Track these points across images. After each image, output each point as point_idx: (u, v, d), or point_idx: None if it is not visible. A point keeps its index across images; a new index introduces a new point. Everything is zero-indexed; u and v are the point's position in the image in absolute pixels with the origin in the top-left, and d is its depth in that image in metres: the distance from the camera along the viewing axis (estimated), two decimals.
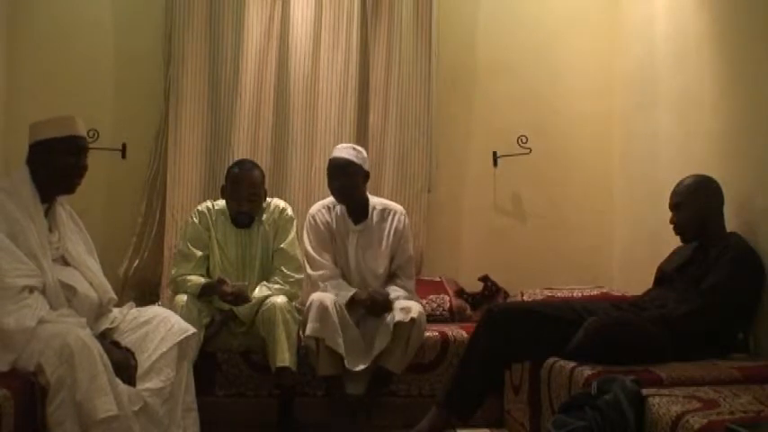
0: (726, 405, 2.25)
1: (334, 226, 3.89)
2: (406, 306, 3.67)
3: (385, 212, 3.93)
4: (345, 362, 3.56)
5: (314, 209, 3.96)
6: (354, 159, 3.82)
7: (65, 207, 3.02)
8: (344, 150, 3.87)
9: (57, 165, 2.87)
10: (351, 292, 3.72)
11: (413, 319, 3.61)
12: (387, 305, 3.68)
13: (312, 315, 3.55)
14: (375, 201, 3.98)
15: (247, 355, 3.73)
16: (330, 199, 3.95)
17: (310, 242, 3.87)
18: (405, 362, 3.66)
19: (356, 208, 3.90)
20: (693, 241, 3.26)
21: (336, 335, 3.55)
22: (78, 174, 2.93)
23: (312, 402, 3.69)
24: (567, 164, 4.78)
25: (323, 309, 3.55)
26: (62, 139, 2.88)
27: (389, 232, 3.90)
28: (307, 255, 3.86)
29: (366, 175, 3.90)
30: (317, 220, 3.90)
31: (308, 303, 3.64)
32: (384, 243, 3.89)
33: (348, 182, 3.82)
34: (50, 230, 2.89)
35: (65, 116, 2.99)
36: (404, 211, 3.99)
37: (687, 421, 2.14)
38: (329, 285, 3.74)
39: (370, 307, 3.70)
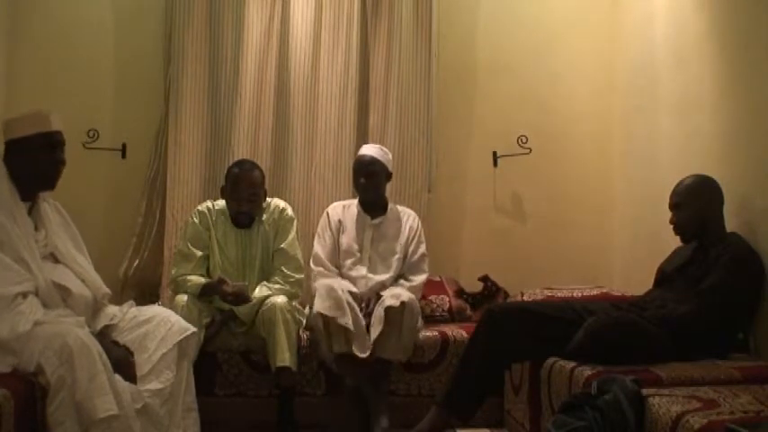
0: (726, 405, 2.25)
1: (348, 220, 4.00)
2: (396, 293, 3.69)
3: (401, 213, 4.09)
4: (353, 345, 3.55)
5: (330, 206, 4.12)
6: (380, 158, 3.98)
7: (49, 201, 2.99)
8: (371, 148, 4.06)
9: (35, 162, 2.85)
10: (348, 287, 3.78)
11: (403, 303, 3.60)
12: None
13: (321, 295, 3.62)
14: (392, 204, 4.12)
15: (247, 355, 3.73)
16: (349, 200, 4.11)
17: (319, 239, 3.99)
18: (401, 350, 3.63)
19: (375, 205, 4.03)
20: (693, 241, 3.26)
21: (346, 315, 3.57)
22: (57, 169, 2.91)
23: (312, 402, 3.69)
24: (566, 164, 4.78)
25: (330, 289, 3.62)
26: (38, 136, 2.86)
27: (404, 228, 4.02)
28: (314, 249, 3.98)
29: (389, 176, 4.06)
30: (330, 217, 4.04)
31: (314, 289, 3.74)
32: (399, 236, 3.99)
33: (373, 180, 3.97)
34: (36, 229, 2.87)
35: (38, 111, 2.95)
36: (417, 216, 4.13)
37: (687, 421, 2.14)
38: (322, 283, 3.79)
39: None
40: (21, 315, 2.60)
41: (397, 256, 3.97)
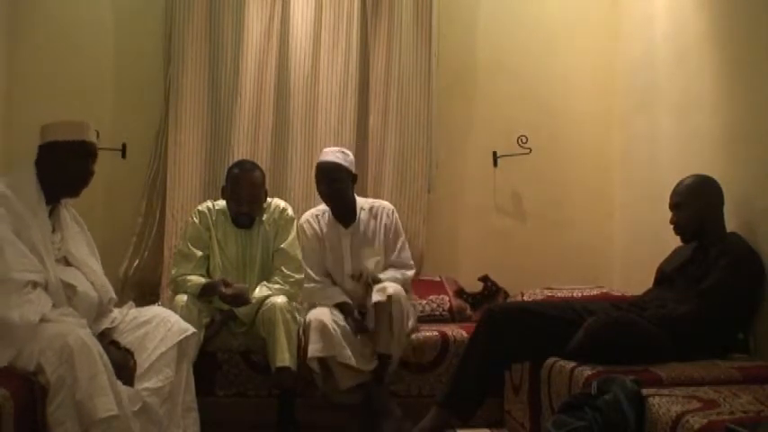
0: (726, 405, 2.25)
1: (324, 232, 3.89)
2: (381, 287, 3.63)
3: (373, 210, 3.94)
4: (359, 364, 3.56)
5: (303, 219, 3.96)
6: (342, 162, 3.81)
7: (69, 209, 3.03)
8: (332, 154, 3.85)
9: (65, 168, 2.89)
10: (340, 299, 3.75)
11: (389, 297, 3.56)
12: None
13: (313, 336, 3.54)
14: (362, 201, 3.97)
15: (247, 355, 3.73)
16: (319, 207, 3.96)
17: (304, 255, 3.87)
18: (395, 343, 3.60)
19: (344, 211, 3.89)
20: (693, 241, 3.26)
21: (344, 349, 3.55)
22: (85, 179, 2.95)
23: (312, 402, 3.69)
24: (566, 164, 4.78)
25: (322, 327, 3.55)
26: (73, 143, 2.91)
27: (380, 229, 3.91)
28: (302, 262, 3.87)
29: (354, 178, 3.90)
30: (306, 231, 3.90)
31: (306, 322, 3.65)
32: (377, 241, 3.90)
33: (336, 186, 3.82)
34: (53, 231, 2.90)
35: (77, 120, 3.02)
36: (392, 207, 3.99)
37: (687, 421, 2.15)
38: (318, 296, 3.80)
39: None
40: (30, 304, 2.61)
41: (377, 259, 3.88)
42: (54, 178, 2.89)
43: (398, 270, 3.86)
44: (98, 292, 2.92)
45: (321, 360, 3.54)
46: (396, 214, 3.98)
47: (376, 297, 3.59)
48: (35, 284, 2.67)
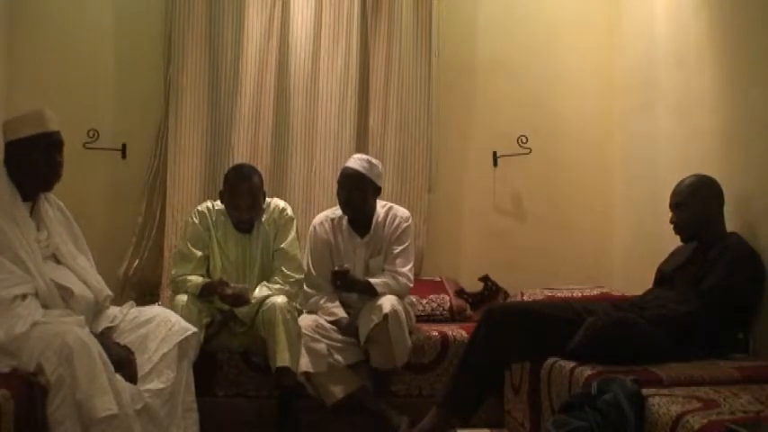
0: (726, 405, 2.25)
1: (338, 241, 3.84)
2: (378, 305, 3.57)
3: (387, 219, 3.84)
4: (339, 358, 3.60)
5: (316, 220, 3.92)
6: (365, 173, 3.73)
7: (51, 201, 2.98)
8: (358, 162, 3.77)
9: (32, 163, 2.83)
10: (338, 316, 3.74)
11: (386, 316, 3.52)
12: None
13: (302, 350, 3.57)
14: (380, 209, 3.86)
15: (247, 355, 3.73)
16: (336, 211, 3.88)
17: (310, 256, 3.85)
18: (395, 356, 3.59)
19: (362, 221, 3.83)
20: (693, 241, 3.26)
21: (335, 354, 3.60)
22: (53, 171, 2.88)
23: (312, 402, 3.68)
24: (567, 164, 4.78)
25: (309, 341, 3.58)
26: (35, 137, 2.84)
27: (388, 236, 3.82)
28: (306, 266, 3.85)
29: (377, 190, 3.82)
30: (318, 236, 3.85)
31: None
32: (383, 248, 3.83)
33: (356, 195, 3.75)
34: (38, 229, 2.86)
35: (34, 112, 2.91)
36: (406, 215, 3.87)
37: (687, 421, 2.14)
38: (320, 305, 3.79)
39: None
40: (18, 317, 2.60)
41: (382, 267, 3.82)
42: (24, 175, 2.83)
43: (392, 276, 3.74)
44: (92, 290, 2.90)
45: (307, 376, 3.57)
46: (408, 220, 3.85)
47: (374, 318, 3.54)
48: (24, 296, 2.65)
